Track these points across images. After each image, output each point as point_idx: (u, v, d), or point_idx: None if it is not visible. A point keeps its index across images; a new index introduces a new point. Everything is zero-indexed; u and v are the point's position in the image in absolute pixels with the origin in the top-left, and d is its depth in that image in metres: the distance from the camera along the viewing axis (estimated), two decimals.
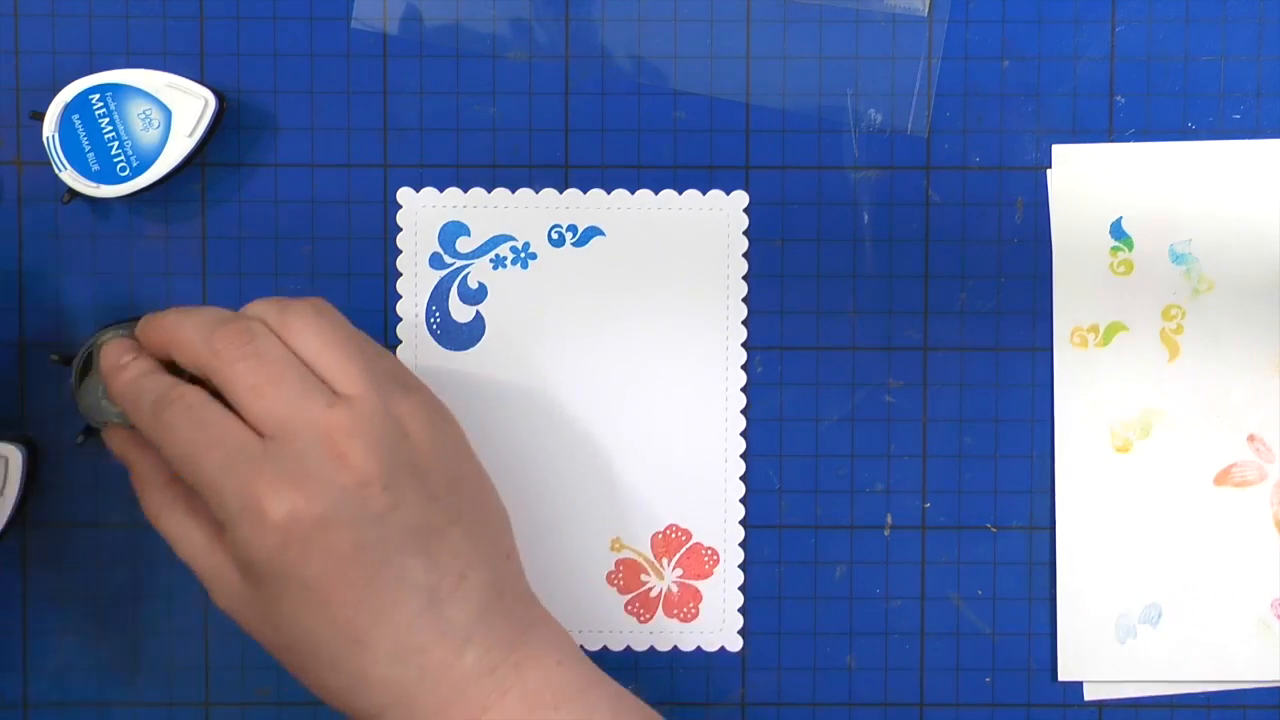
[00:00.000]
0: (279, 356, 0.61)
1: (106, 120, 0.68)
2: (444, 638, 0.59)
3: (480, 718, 0.59)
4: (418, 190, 0.71)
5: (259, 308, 0.63)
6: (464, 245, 0.71)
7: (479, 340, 0.71)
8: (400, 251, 0.71)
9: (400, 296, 0.71)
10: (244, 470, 0.59)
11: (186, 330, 0.62)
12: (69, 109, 0.68)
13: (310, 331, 0.61)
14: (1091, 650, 0.71)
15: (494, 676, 0.60)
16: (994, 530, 0.71)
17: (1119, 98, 0.71)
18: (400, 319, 0.71)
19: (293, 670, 0.61)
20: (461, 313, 0.71)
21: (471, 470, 0.63)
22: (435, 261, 0.71)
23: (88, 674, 0.71)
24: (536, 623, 0.62)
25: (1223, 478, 0.71)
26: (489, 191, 0.71)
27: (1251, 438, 0.71)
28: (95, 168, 0.68)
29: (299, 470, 0.58)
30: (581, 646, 0.71)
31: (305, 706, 0.71)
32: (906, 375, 0.71)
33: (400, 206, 0.71)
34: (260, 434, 0.60)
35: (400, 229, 0.71)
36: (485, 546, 0.61)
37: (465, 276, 0.71)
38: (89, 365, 0.67)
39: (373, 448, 0.59)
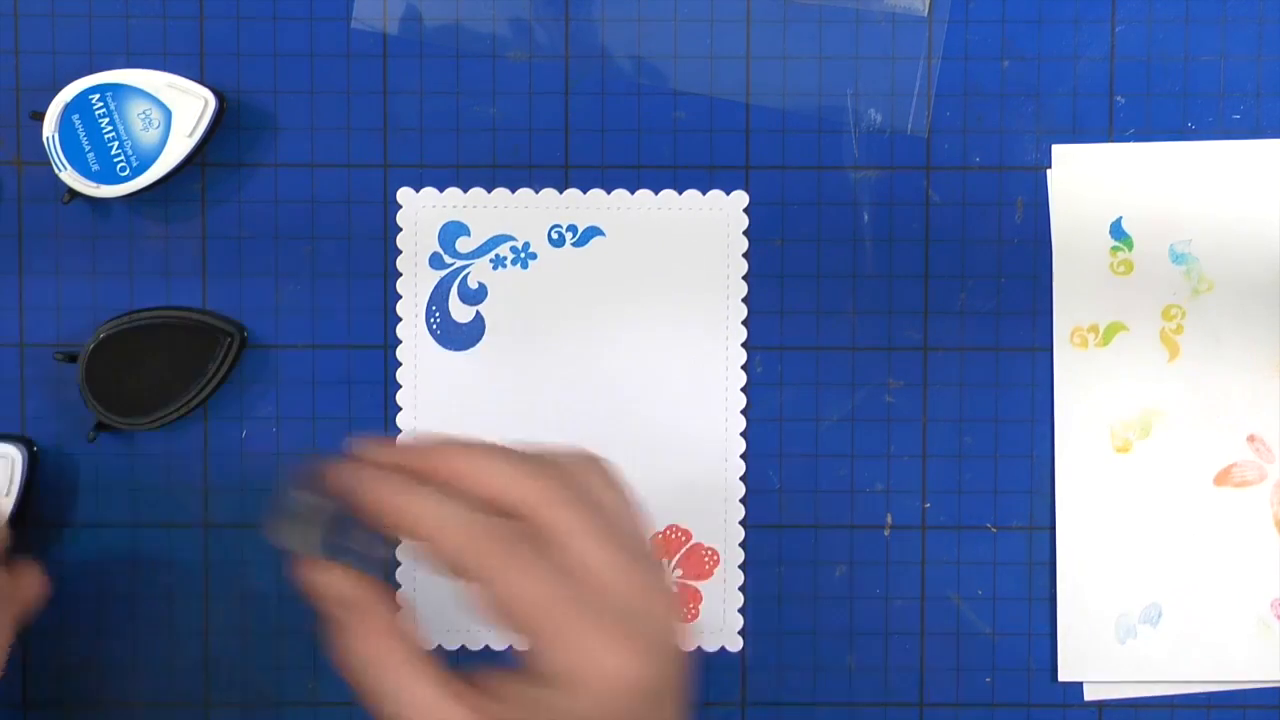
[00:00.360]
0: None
1: (106, 120, 0.68)
2: None
3: None
4: (418, 190, 0.71)
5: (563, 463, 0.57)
6: (464, 245, 0.71)
7: (479, 340, 0.71)
8: (400, 251, 0.71)
9: (400, 296, 0.71)
10: (595, 632, 0.54)
11: (496, 466, 0.55)
12: (69, 109, 0.68)
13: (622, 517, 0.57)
14: (1091, 650, 0.71)
15: None
16: (994, 530, 0.71)
17: (1119, 98, 0.71)
18: (400, 319, 0.71)
19: None
20: (461, 313, 0.71)
21: None
22: (435, 261, 0.71)
23: (88, 674, 0.71)
24: None
25: (1223, 478, 0.71)
26: (489, 191, 0.71)
27: (1251, 438, 0.71)
28: (95, 168, 0.68)
29: (639, 632, 0.55)
30: None
31: (305, 706, 0.71)
32: (906, 375, 0.71)
33: (400, 206, 0.71)
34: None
35: (400, 229, 0.71)
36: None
37: (465, 276, 0.71)
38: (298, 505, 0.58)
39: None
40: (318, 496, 0.56)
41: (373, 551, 0.57)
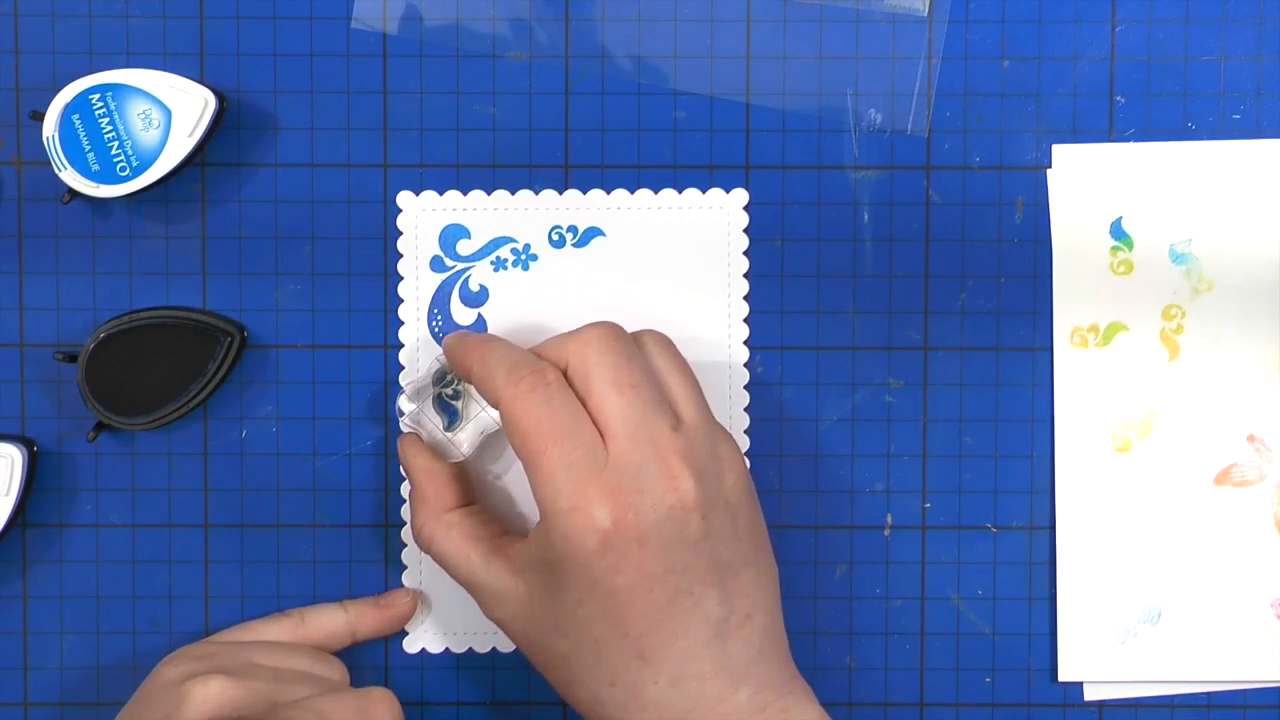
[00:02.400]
0: (644, 365, 0.63)
1: (106, 120, 0.68)
2: (723, 671, 0.62)
3: None
4: (418, 193, 0.71)
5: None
6: (464, 248, 0.71)
7: None
8: (401, 255, 0.71)
9: (401, 300, 0.71)
10: (584, 467, 0.61)
11: (573, 339, 0.64)
12: (69, 109, 0.68)
13: (661, 354, 0.64)
14: (1091, 650, 0.71)
15: (763, 715, 0.62)
16: (994, 530, 0.71)
17: (1119, 98, 0.71)
18: (402, 322, 0.71)
19: (563, 682, 0.63)
20: (463, 315, 0.71)
21: (762, 523, 0.65)
22: (436, 264, 0.71)
23: (88, 674, 0.71)
24: (797, 676, 0.64)
25: (1223, 478, 0.71)
26: (489, 194, 0.71)
27: (1251, 438, 0.71)
28: (95, 168, 0.68)
29: (635, 483, 0.61)
30: None
31: None
32: (906, 375, 0.71)
33: (400, 210, 0.71)
34: (602, 434, 0.62)
35: (400, 232, 0.71)
36: (768, 594, 0.64)
37: (466, 279, 0.71)
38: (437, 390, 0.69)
39: (700, 477, 0.62)
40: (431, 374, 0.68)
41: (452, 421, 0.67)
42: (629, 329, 0.65)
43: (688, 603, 0.61)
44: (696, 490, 0.61)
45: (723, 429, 0.64)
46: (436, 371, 0.68)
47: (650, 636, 0.61)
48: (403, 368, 0.71)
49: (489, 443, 0.69)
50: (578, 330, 0.64)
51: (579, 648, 0.62)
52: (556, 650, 0.63)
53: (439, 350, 0.69)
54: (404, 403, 0.68)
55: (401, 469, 0.69)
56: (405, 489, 0.70)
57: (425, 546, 0.67)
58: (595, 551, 0.61)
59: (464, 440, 0.67)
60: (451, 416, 0.67)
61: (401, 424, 0.69)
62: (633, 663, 0.61)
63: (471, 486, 0.68)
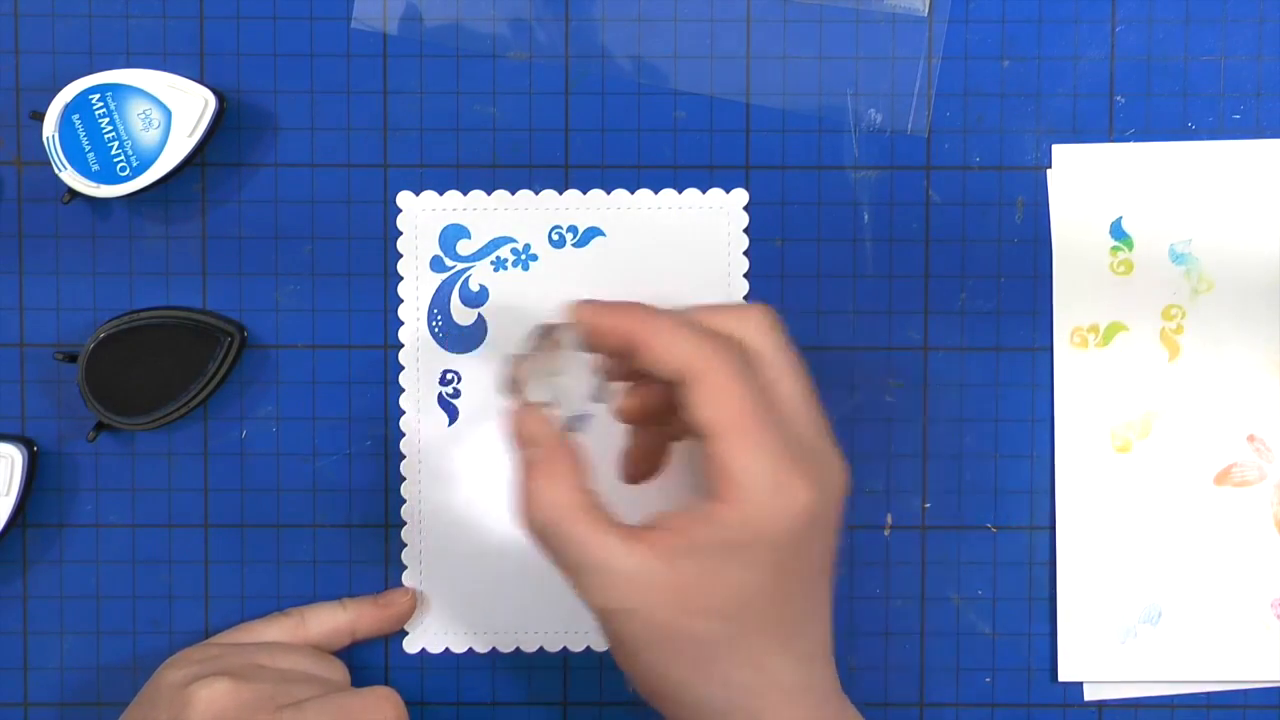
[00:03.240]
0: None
1: (106, 120, 0.68)
2: (831, 657, 0.63)
3: None
4: (417, 194, 0.71)
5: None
6: (464, 248, 0.71)
7: (481, 342, 0.71)
8: (401, 255, 0.71)
9: (402, 300, 0.71)
10: (784, 450, 0.59)
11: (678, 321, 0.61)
12: (69, 109, 0.68)
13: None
14: (1091, 650, 0.71)
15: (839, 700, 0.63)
16: (994, 530, 0.71)
17: (1119, 98, 0.71)
18: (402, 323, 0.71)
19: (690, 670, 0.61)
20: (463, 315, 0.71)
21: None
22: (436, 264, 0.71)
23: (88, 674, 0.71)
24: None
25: (1223, 478, 0.71)
26: (489, 194, 0.71)
27: (1251, 438, 0.71)
28: (95, 168, 0.68)
29: (820, 465, 0.60)
30: (588, 648, 0.71)
31: None
32: (906, 375, 0.71)
33: (400, 210, 0.71)
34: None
35: (400, 233, 0.71)
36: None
37: (466, 279, 0.71)
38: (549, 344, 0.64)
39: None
40: (546, 340, 0.62)
41: (581, 395, 0.63)
42: None
43: (826, 589, 0.62)
44: (847, 477, 0.62)
45: None
46: (534, 348, 0.63)
47: (805, 620, 0.61)
48: (403, 368, 0.71)
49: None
50: (740, 307, 0.63)
51: (714, 633, 0.60)
52: (699, 634, 0.60)
53: (538, 325, 0.64)
54: (521, 372, 0.63)
55: (515, 443, 0.62)
56: (513, 466, 0.62)
57: (546, 527, 0.61)
58: (800, 532, 0.59)
59: (586, 418, 0.63)
60: (553, 395, 0.63)
61: (516, 397, 0.63)
62: (774, 645, 0.61)
63: (588, 469, 0.63)
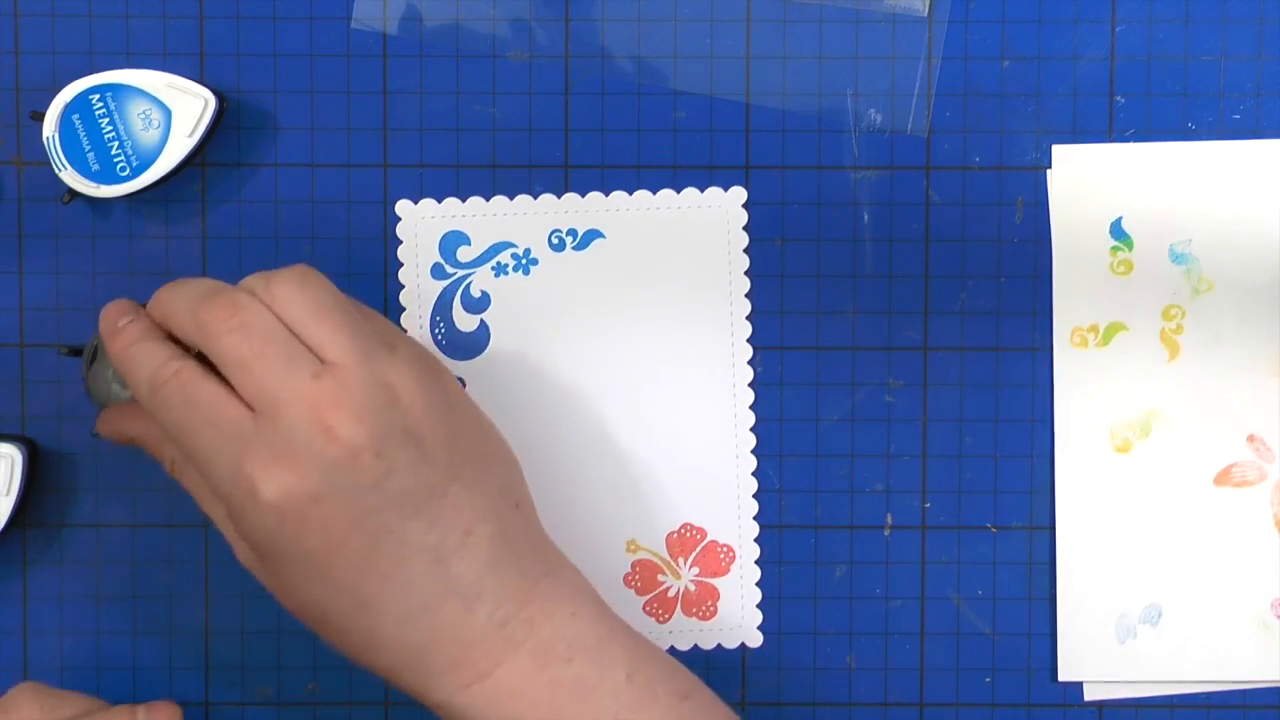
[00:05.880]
0: (265, 328, 0.59)
1: (106, 120, 0.68)
2: (452, 595, 0.59)
3: (493, 672, 0.59)
4: (416, 201, 0.71)
5: (249, 280, 0.61)
6: (465, 254, 0.71)
7: (484, 348, 0.71)
8: (401, 263, 0.71)
9: (404, 308, 0.71)
10: (234, 450, 0.58)
11: (177, 303, 0.61)
12: (69, 109, 0.68)
13: (295, 300, 0.60)
14: (1091, 650, 0.71)
15: (505, 631, 0.60)
16: (994, 530, 0.71)
17: (1119, 98, 0.71)
18: (404, 330, 0.71)
19: (313, 630, 0.61)
20: (466, 322, 0.71)
21: (470, 423, 0.62)
22: (437, 272, 0.71)
23: (88, 674, 0.71)
24: (551, 572, 0.62)
25: (1223, 478, 0.71)
26: (487, 200, 0.71)
27: (1251, 438, 0.71)
28: (95, 168, 0.68)
29: (287, 446, 0.58)
30: None
31: (305, 706, 0.71)
32: (906, 375, 0.71)
33: (400, 218, 0.71)
34: (250, 409, 0.59)
35: (400, 241, 0.71)
36: (491, 499, 0.61)
37: (468, 285, 0.71)
38: (98, 353, 0.67)
39: (361, 416, 0.58)
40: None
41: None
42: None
43: (391, 541, 0.59)
44: (358, 431, 0.58)
45: (392, 348, 0.61)
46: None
47: (363, 584, 0.59)
48: None
49: None
50: (171, 293, 0.62)
51: (303, 606, 0.60)
52: (289, 607, 0.61)
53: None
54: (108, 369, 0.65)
55: (120, 439, 0.66)
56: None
57: (180, 480, 0.64)
58: (274, 525, 0.58)
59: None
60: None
61: (100, 405, 0.66)
62: (356, 611, 0.59)
63: None
